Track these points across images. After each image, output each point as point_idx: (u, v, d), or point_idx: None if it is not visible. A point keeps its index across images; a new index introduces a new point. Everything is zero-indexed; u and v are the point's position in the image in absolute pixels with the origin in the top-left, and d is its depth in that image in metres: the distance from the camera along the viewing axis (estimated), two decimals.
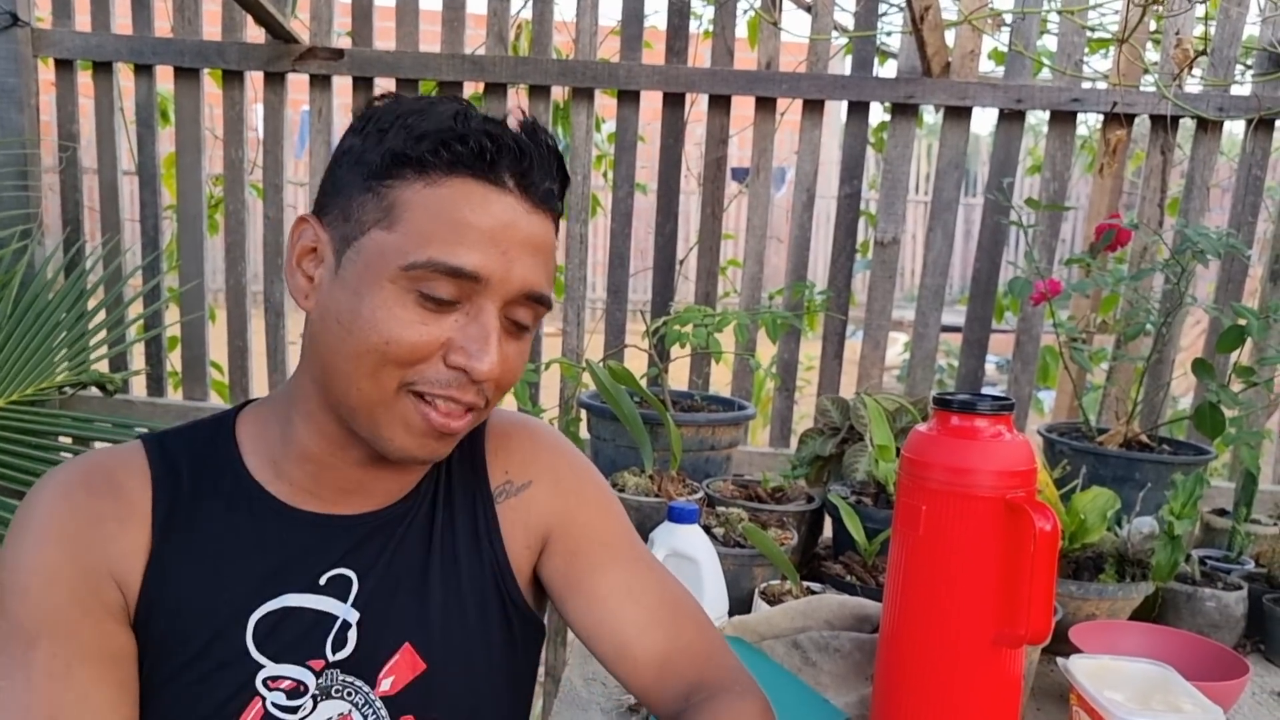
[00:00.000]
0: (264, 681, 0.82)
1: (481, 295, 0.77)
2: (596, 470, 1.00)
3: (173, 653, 0.81)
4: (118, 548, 0.80)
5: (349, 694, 0.84)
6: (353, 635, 0.85)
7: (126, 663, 0.80)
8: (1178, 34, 2.05)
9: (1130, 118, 2.10)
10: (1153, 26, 2.37)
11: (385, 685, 0.85)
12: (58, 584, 0.77)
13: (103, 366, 2.35)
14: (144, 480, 0.83)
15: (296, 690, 0.83)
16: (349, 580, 0.86)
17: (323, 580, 0.85)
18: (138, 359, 2.45)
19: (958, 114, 2.13)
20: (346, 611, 0.85)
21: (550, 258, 0.82)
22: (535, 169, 0.79)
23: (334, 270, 0.79)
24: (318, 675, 0.84)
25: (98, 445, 2.16)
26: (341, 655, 0.84)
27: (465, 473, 0.93)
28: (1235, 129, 2.14)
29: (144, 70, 2.29)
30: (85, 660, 0.77)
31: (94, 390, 2.30)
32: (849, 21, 2.24)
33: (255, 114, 2.39)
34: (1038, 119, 2.31)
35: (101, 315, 2.29)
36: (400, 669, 0.86)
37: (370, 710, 0.85)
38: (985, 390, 2.04)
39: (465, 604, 0.89)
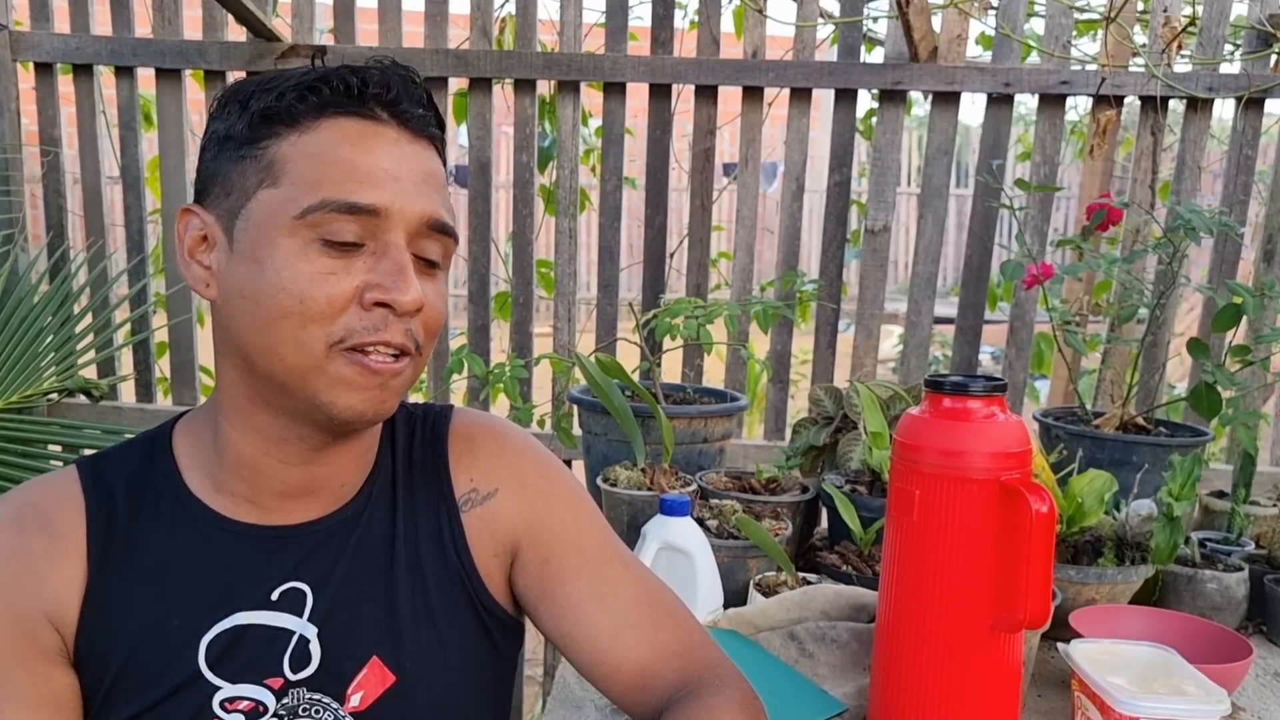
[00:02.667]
0: (221, 704, 0.79)
1: (385, 231, 0.74)
2: (567, 470, 0.96)
3: (125, 681, 0.78)
4: (51, 587, 0.78)
5: (317, 712, 0.81)
6: (316, 651, 0.82)
7: (67, 706, 0.77)
8: (1165, 12, 2.03)
9: (1119, 99, 2.08)
10: (1140, 6, 2.36)
11: (354, 701, 0.82)
12: None
13: (91, 372, 2.32)
14: (77, 512, 0.80)
15: (255, 711, 0.80)
16: (303, 594, 0.82)
17: (274, 595, 0.82)
18: (126, 364, 2.42)
19: (946, 99, 2.12)
20: (303, 626, 0.82)
21: (443, 187, 0.80)
22: (404, 97, 0.77)
23: (228, 248, 0.76)
24: (278, 694, 0.81)
25: (85, 453, 2.13)
26: (305, 673, 0.81)
27: (427, 478, 0.89)
28: (1224, 114, 2.13)
29: (125, 72, 2.27)
30: (22, 706, 0.74)
31: (81, 397, 2.28)
32: (835, 8, 2.23)
33: None
34: (1027, 108, 2.30)
35: (88, 320, 2.27)
36: (369, 683, 0.83)
37: None
38: None
39: (434, 612, 0.86)
